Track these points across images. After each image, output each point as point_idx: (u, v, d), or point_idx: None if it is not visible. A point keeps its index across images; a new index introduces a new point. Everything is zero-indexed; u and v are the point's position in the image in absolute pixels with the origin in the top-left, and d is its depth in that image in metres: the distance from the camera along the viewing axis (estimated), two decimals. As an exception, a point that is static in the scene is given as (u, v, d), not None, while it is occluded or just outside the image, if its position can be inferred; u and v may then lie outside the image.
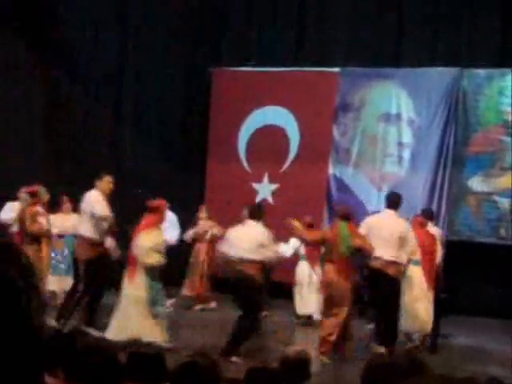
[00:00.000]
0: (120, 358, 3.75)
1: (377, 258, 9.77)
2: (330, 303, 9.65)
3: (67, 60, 14.56)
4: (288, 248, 12.42)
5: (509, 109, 13.89)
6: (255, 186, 15.41)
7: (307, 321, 12.36)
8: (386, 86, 14.73)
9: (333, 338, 9.50)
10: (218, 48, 16.03)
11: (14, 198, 11.71)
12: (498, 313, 13.30)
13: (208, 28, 15.86)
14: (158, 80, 15.57)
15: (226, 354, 9.11)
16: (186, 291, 13.36)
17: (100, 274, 10.08)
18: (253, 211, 10.00)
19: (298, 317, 12.55)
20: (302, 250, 12.57)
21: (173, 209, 13.61)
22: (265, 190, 15.36)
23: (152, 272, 9.50)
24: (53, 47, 14.33)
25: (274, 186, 15.33)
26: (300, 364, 5.21)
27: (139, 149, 15.53)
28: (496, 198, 13.95)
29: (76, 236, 10.77)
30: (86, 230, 10.12)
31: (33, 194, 10.76)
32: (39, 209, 10.72)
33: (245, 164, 15.63)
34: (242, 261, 9.50)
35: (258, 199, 15.23)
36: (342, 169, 14.87)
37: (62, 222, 12.15)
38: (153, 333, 9.13)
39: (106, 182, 10.38)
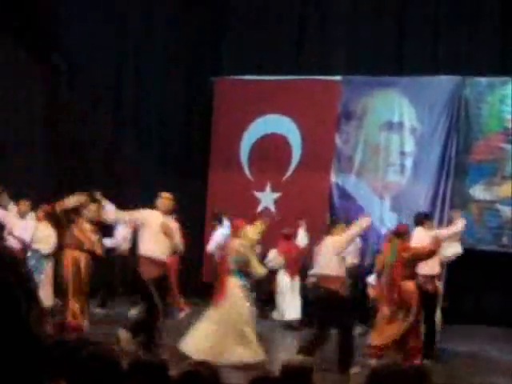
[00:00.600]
0: (124, 367, 3.72)
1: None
2: (382, 315, 9.75)
3: (67, 61, 14.56)
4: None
5: (509, 116, 13.90)
6: (257, 194, 15.39)
7: (289, 325, 12.78)
8: (387, 94, 14.73)
9: (377, 342, 9.59)
10: (218, 55, 16.03)
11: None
12: (499, 321, 13.27)
13: (209, 36, 15.88)
14: (158, 85, 15.56)
15: (347, 368, 9.26)
16: None
17: (160, 293, 9.97)
18: (329, 225, 10.22)
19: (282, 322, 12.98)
20: (281, 261, 13.13)
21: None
22: (267, 198, 15.34)
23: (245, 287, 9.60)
24: (53, 48, 14.34)
25: (277, 195, 15.31)
26: (302, 373, 5.19)
27: (139, 155, 15.50)
28: (498, 206, 13.95)
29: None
30: (148, 249, 9.90)
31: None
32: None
33: (247, 172, 15.61)
34: (324, 277, 9.76)
35: (260, 208, 15.22)
36: (344, 177, 14.85)
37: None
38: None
39: (165, 199, 10.20)
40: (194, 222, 14.30)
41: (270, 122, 15.53)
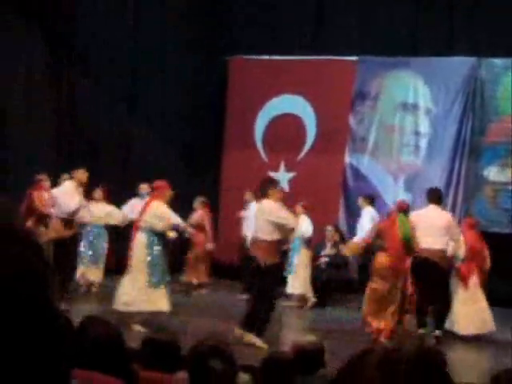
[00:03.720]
0: (129, 346, 3.73)
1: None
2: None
3: (80, 48, 14.58)
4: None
5: (525, 98, 13.83)
6: (272, 174, 15.40)
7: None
8: (402, 74, 14.70)
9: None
10: (233, 35, 15.98)
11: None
12: (512, 303, 13.25)
13: (223, 15, 15.86)
14: (170, 66, 15.53)
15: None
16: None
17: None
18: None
19: None
20: None
21: (188, 197, 13.63)
22: (281, 178, 15.34)
23: None
24: (68, 39, 14.37)
25: (291, 175, 15.34)
26: (315, 353, 5.23)
27: (152, 137, 15.48)
28: (512, 188, 13.91)
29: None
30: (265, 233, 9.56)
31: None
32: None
33: (261, 152, 15.63)
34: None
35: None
36: (358, 158, 14.85)
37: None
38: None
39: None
40: (209, 201, 14.24)
41: (284, 102, 15.53)
